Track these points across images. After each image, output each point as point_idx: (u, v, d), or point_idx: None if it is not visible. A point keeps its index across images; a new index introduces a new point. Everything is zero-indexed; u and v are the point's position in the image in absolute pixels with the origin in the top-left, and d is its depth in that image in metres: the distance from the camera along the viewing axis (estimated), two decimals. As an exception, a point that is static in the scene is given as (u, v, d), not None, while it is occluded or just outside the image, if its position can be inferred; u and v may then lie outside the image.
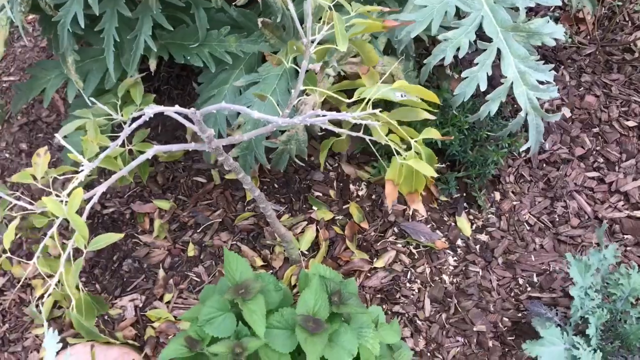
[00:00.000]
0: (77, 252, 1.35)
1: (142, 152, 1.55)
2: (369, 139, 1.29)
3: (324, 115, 1.21)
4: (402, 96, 1.09)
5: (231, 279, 1.41)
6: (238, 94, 1.75)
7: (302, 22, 1.21)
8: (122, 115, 1.57)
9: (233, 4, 1.47)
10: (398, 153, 1.18)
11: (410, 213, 2.06)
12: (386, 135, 1.26)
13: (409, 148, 1.18)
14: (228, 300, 1.39)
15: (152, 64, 1.71)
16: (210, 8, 1.67)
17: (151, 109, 1.24)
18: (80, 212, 1.23)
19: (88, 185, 1.98)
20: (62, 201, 1.26)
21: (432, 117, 1.16)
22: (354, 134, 1.30)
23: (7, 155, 2.32)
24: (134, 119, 1.36)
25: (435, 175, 1.12)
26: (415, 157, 1.20)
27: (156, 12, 1.57)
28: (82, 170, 1.27)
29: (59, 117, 2.37)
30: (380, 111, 1.19)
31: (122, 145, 1.60)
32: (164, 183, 2.16)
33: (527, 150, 1.59)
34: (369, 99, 1.16)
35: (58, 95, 2.41)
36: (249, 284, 1.41)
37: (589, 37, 2.38)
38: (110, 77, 1.64)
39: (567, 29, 2.26)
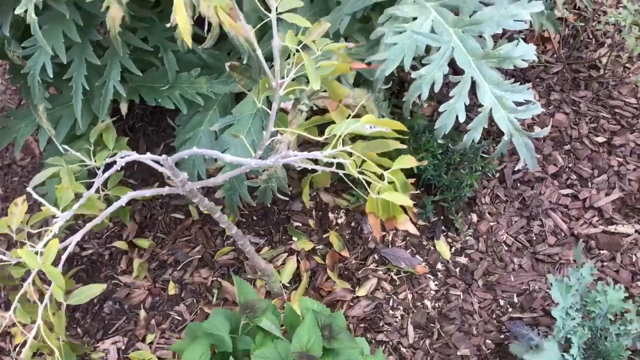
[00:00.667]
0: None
1: (117, 197, 1.54)
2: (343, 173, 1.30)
3: (295, 155, 1.23)
4: (371, 127, 1.11)
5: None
6: (214, 136, 1.76)
7: (270, 60, 1.23)
8: (95, 161, 1.57)
9: (201, 46, 1.48)
10: (370, 184, 1.20)
11: (390, 239, 2.07)
12: (361, 165, 1.27)
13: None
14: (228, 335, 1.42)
15: (123, 108, 1.71)
16: (179, 50, 1.68)
17: (123, 158, 1.24)
18: (56, 261, 1.23)
19: (68, 227, 1.97)
20: (37, 252, 1.25)
21: (403, 146, 1.18)
22: (327, 169, 1.31)
23: (-19, 200, 2.30)
24: (108, 166, 1.36)
25: (411, 204, 1.13)
26: (389, 189, 1.21)
27: (124, 57, 1.58)
28: (56, 221, 1.27)
29: (34, 159, 2.35)
30: (353, 141, 1.21)
31: (97, 191, 1.59)
32: (142, 221, 2.15)
33: (503, 170, 1.61)
34: (340, 136, 1.17)
35: (32, 138, 2.39)
36: (255, 303, 1.47)
37: (555, 55, 2.43)
38: (80, 124, 1.64)
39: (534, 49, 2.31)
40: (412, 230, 2.01)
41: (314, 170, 1.39)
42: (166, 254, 2.07)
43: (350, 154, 1.15)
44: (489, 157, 1.63)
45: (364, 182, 1.20)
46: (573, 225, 2.06)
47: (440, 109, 1.54)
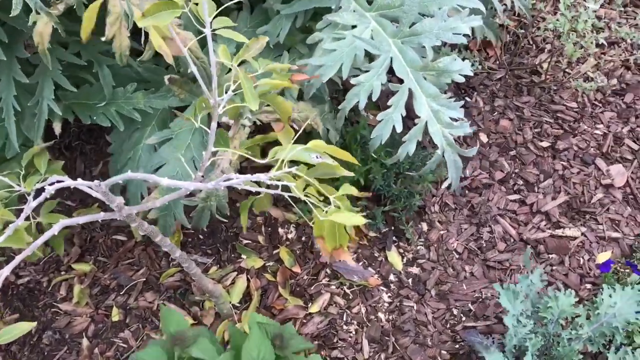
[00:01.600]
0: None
1: (50, 224, 1.45)
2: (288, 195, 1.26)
3: (237, 178, 1.17)
4: (317, 157, 1.07)
5: (168, 334, 1.39)
6: (153, 152, 1.68)
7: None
8: (25, 187, 1.47)
9: (138, 59, 1.41)
10: (316, 207, 1.15)
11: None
12: (305, 188, 1.23)
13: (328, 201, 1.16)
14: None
15: (57, 127, 1.62)
16: (114, 64, 1.60)
17: (52, 184, 1.16)
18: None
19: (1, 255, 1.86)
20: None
21: (350, 174, 1.14)
22: (272, 192, 1.26)
23: None
24: (39, 191, 1.27)
25: (362, 221, 1.09)
26: (336, 211, 1.17)
27: (56, 73, 1.49)
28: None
29: (-39, 183, 2.21)
30: (297, 163, 1.16)
31: (27, 219, 1.50)
32: (82, 245, 2.05)
33: (450, 185, 1.60)
34: (283, 160, 1.13)
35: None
36: (184, 333, 1.41)
37: (498, 62, 2.46)
38: (12, 146, 1.54)
39: (476, 55, 2.32)
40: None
41: (256, 192, 1.34)
42: (108, 278, 1.98)
43: (295, 177, 1.10)
44: (425, 168, 1.63)
45: (310, 205, 1.16)
46: (522, 230, 2.07)
47: (378, 118, 1.53)
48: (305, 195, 1.18)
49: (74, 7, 1.35)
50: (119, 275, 1.97)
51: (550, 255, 2.02)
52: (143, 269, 1.98)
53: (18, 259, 1.24)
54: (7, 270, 1.21)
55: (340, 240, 1.19)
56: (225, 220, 1.68)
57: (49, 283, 1.98)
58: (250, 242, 2.05)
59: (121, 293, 1.95)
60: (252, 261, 1.99)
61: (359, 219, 1.13)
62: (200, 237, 2.05)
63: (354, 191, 1.16)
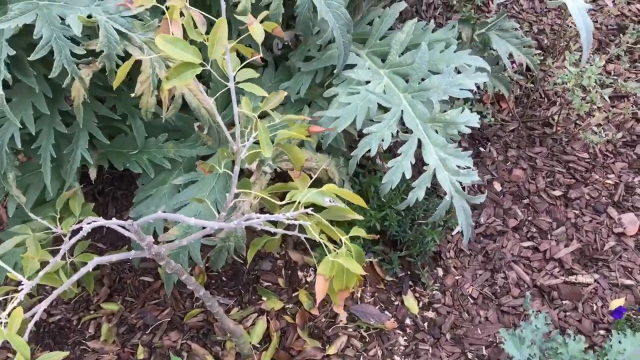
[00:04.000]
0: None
1: (84, 263, 1.56)
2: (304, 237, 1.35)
3: (258, 218, 1.27)
4: (330, 201, 1.16)
5: None
6: (176, 192, 1.79)
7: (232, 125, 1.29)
8: (61, 229, 1.59)
9: (163, 115, 1.53)
10: (329, 250, 1.24)
11: (359, 295, 2.10)
12: (321, 231, 1.32)
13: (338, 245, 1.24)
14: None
15: (92, 173, 1.75)
16: (146, 116, 1.74)
17: (89, 224, 1.27)
18: (22, 330, 1.23)
19: (34, 296, 1.96)
20: (1, 322, 1.25)
21: (360, 217, 1.23)
22: (289, 232, 1.35)
23: (-53, 269, 2.27)
24: (74, 232, 1.39)
25: (364, 273, 1.17)
26: (346, 255, 1.25)
27: (91, 125, 1.63)
28: (22, 289, 1.28)
29: (2, 226, 2.35)
30: (312, 210, 1.25)
31: (63, 258, 1.61)
32: (111, 285, 2.15)
33: (462, 233, 1.68)
34: (300, 202, 1.22)
35: (0, 204, 2.40)
36: None
37: (510, 114, 2.55)
38: (49, 191, 1.67)
39: (490, 108, 2.42)
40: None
41: (273, 234, 1.43)
42: (135, 317, 2.07)
43: (308, 215, 1.19)
44: (434, 215, 1.70)
45: (323, 245, 1.25)
46: (535, 276, 2.12)
47: (388, 165, 1.62)
48: (320, 237, 1.27)
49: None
50: (145, 315, 2.06)
51: (564, 302, 2.05)
52: (168, 309, 2.07)
53: (55, 293, 1.35)
54: (45, 303, 1.32)
55: (348, 282, 1.26)
56: (242, 262, 1.77)
57: (78, 321, 2.08)
58: (270, 284, 2.13)
59: (147, 332, 2.03)
60: (272, 303, 2.07)
61: (361, 270, 1.21)
62: (223, 279, 2.14)
63: (362, 233, 1.24)
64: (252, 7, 1.49)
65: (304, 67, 1.80)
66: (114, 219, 1.29)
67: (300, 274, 2.16)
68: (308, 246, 1.47)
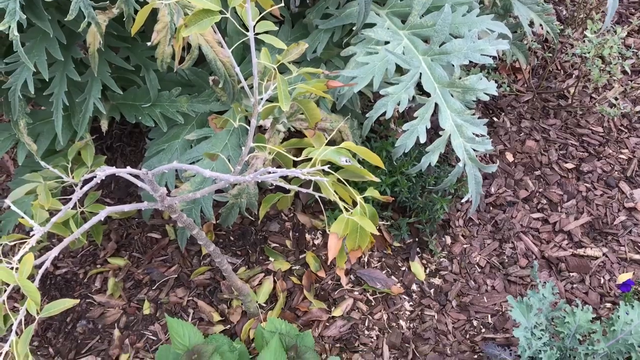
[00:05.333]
0: (28, 316, 1.33)
1: (94, 214, 1.55)
2: (318, 195, 1.33)
3: (274, 172, 1.25)
4: (346, 161, 1.14)
5: (181, 347, 1.41)
6: (188, 148, 1.77)
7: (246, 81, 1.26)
8: (73, 178, 1.57)
9: (178, 67, 1.50)
10: (346, 209, 1.23)
11: (366, 260, 2.10)
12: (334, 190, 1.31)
13: (354, 205, 1.22)
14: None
15: (104, 125, 1.73)
16: (160, 68, 1.71)
17: (103, 172, 1.25)
18: (31, 277, 1.22)
19: (42, 248, 1.96)
20: (12, 267, 1.25)
21: (376, 179, 1.22)
22: (304, 190, 1.34)
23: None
24: (86, 182, 1.37)
25: (377, 232, 1.15)
26: (361, 213, 1.24)
27: (105, 75, 1.60)
28: (33, 235, 1.27)
29: (9, 177, 2.34)
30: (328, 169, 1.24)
31: (74, 207, 1.60)
32: (118, 240, 2.15)
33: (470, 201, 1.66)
34: (317, 159, 1.21)
35: (8, 156, 2.38)
36: (200, 348, 1.42)
37: (525, 85, 2.52)
38: (60, 140, 1.65)
39: (505, 78, 2.39)
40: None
41: (285, 191, 1.42)
42: (142, 273, 2.07)
43: (326, 174, 1.18)
44: (445, 181, 1.68)
45: (339, 203, 1.23)
46: (544, 248, 2.11)
47: (403, 128, 1.60)
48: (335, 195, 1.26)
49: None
50: (152, 271, 2.07)
51: (571, 274, 2.05)
52: (175, 266, 2.07)
53: (65, 241, 1.34)
54: (55, 250, 1.31)
55: (360, 242, 1.25)
56: (253, 220, 1.75)
57: (85, 275, 2.08)
58: (278, 245, 2.12)
59: (153, 288, 2.04)
60: (279, 264, 2.06)
61: (374, 229, 1.20)
62: (231, 238, 2.14)
63: (376, 194, 1.23)
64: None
65: (321, 25, 1.76)
66: (128, 167, 1.27)
67: (308, 236, 2.15)
68: (322, 207, 1.46)
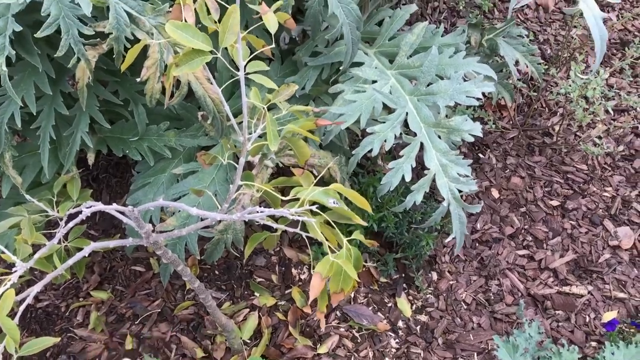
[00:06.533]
0: (7, 352, 1.29)
1: (78, 249, 1.53)
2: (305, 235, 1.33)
3: (262, 212, 1.25)
4: (334, 203, 1.15)
5: None
6: (175, 181, 1.76)
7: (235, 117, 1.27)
8: (58, 212, 1.56)
9: (168, 102, 1.51)
10: (332, 250, 1.22)
11: (352, 296, 2.09)
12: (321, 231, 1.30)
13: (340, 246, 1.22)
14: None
15: (91, 158, 1.72)
16: (149, 103, 1.71)
17: (89, 208, 1.25)
18: (12, 313, 1.20)
19: (25, 281, 1.93)
20: (-8, 304, 1.22)
21: (364, 223, 1.22)
22: (291, 229, 1.33)
23: None
24: (71, 216, 1.36)
25: (358, 280, 1.15)
26: (346, 257, 1.23)
27: (93, 109, 1.60)
28: (15, 271, 1.25)
29: (-8, 207, 2.31)
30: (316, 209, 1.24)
31: (58, 242, 1.58)
32: (101, 273, 2.12)
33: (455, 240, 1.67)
34: (304, 199, 1.20)
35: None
36: None
37: (511, 122, 2.55)
38: (46, 173, 1.64)
39: (491, 115, 2.42)
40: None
41: (272, 229, 1.41)
42: (125, 307, 2.04)
43: (314, 214, 1.17)
44: (430, 220, 1.69)
45: (326, 245, 1.23)
46: (529, 285, 2.11)
47: (389, 166, 1.61)
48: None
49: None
50: (135, 305, 2.04)
51: (557, 312, 2.05)
52: (159, 300, 2.05)
53: (49, 277, 1.32)
54: (37, 287, 1.29)
55: (344, 285, 1.24)
56: (236, 256, 1.74)
57: (67, 308, 2.05)
58: (264, 280, 2.11)
59: (136, 322, 2.01)
60: (265, 299, 2.04)
61: (355, 276, 1.19)
62: (216, 272, 2.12)
63: (362, 238, 1.23)
64: (262, -2, 1.47)
65: (310, 62, 1.78)
66: (114, 204, 1.26)
67: (294, 271, 2.14)
68: (308, 243, 1.46)
